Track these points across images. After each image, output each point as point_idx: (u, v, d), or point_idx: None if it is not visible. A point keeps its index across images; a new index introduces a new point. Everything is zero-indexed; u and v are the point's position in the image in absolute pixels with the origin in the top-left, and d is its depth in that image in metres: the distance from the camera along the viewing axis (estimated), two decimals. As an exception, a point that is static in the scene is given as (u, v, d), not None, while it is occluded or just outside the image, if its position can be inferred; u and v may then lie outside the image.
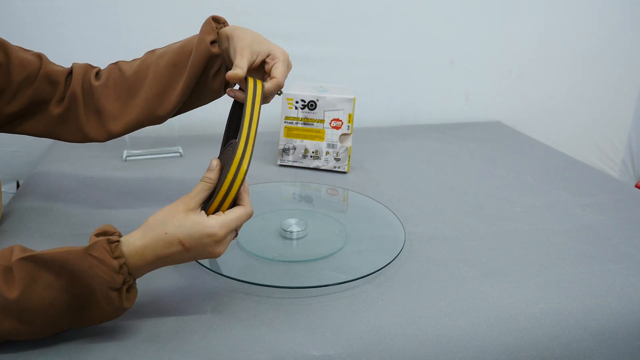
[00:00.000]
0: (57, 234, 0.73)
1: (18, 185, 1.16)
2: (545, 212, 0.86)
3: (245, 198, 0.55)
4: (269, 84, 0.66)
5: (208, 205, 0.53)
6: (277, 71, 0.68)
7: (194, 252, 0.52)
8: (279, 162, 1.04)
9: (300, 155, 1.03)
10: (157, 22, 1.15)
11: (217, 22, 0.72)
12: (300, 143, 1.02)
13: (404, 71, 1.35)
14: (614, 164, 1.65)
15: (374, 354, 0.53)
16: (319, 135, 1.01)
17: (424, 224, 0.80)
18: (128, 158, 1.04)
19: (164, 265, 0.53)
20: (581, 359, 0.58)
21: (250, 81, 0.63)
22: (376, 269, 0.65)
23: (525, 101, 1.49)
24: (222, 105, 1.32)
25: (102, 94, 0.71)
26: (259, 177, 0.97)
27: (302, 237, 0.74)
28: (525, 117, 1.49)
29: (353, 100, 0.98)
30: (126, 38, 1.14)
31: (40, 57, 0.72)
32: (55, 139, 0.74)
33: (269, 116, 1.27)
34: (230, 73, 0.63)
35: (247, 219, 0.55)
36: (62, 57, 1.11)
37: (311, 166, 1.03)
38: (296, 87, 1.05)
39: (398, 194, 0.91)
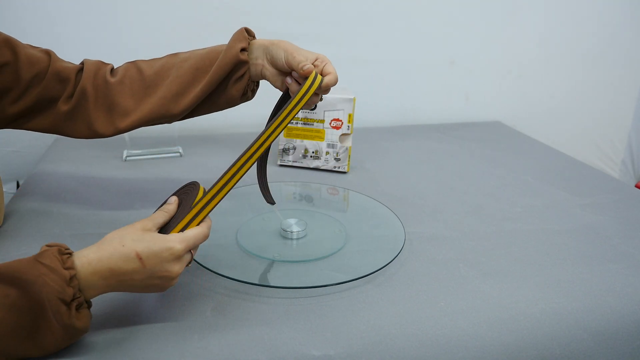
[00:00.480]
0: (57, 234, 0.73)
1: (18, 185, 1.16)
2: (545, 212, 0.86)
3: (207, 221, 0.55)
4: (327, 78, 0.68)
5: (169, 228, 0.54)
6: (330, 68, 0.69)
7: (150, 269, 0.49)
8: (279, 162, 1.04)
9: (300, 155, 1.03)
10: (157, 22, 1.15)
11: (248, 33, 0.73)
12: (300, 143, 1.02)
13: (404, 71, 1.35)
14: (614, 164, 1.65)
15: (374, 354, 0.53)
16: (319, 135, 1.01)
17: (424, 224, 0.80)
18: (128, 158, 1.04)
19: (118, 286, 0.50)
20: (581, 359, 0.58)
21: (312, 75, 0.67)
22: (376, 269, 0.65)
23: (525, 101, 1.49)
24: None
25: (117, 91, 0.71)
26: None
27: (302, 237, 0.74)
28: (525, 117, 1.49)
29: (353, 100, 0.98)
30: (126, 38, 1.14)
31: (49, 54, 0.71)
32: (61, 134, 0.74)
33: (269, 116, 1.28)
34: (307, 68, 0.66)
35: (203, 241, 0.54)
36: (63, 54, 1.11)
37: (311, 166, 1.03)
38: (296, 87, 1.05)
39: (398, 194, 0.91)
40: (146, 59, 0.75)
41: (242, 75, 0.71)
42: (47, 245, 0.48)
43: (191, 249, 0.53)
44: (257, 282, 0.62)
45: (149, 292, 0.52)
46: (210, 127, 1.25)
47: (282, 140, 1.03)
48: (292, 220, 0.75)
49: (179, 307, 0.58)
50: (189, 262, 0.53)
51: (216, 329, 0.55)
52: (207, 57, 0.72)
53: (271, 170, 1.02)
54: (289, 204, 0.88)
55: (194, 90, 0.71)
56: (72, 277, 0.46)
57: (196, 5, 1.15)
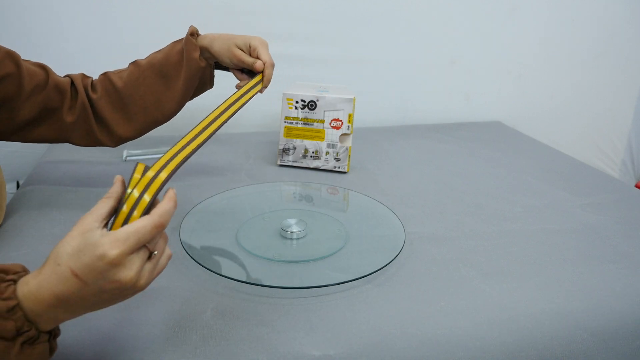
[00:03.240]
0: (57, 234, 0.73)
1: (18, 185, 1.16)
2: (545, 212, 0.86)
3: (162, 206, 0.43)
4: (267, 71, 0.79)
5: (111, 222, 0.43)
6: (263, 56, 0.79)
7: (93, 285, 0.39)
8: (279, 162, 1.04)
9: (300, 155, 1.03)
10: (157, 22, 1.15)
11: (192, 34, 0.82)
12: (300, 143, 1.02)
13: (404, 71, 1.35)
14: (614, 164, 1.65)
15: (374, 354, 0.53)
16: (319, 135, 1.01)
17: (424, 224, 0.80)
18: (128, 158, 1.04)
19: (74, 311, 0.41)
20: (581, 359, 0.58)
21: (258, 78, 0.78)
22: (376, 269, 0.65)
23: (525, 101, 1.49)
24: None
25: (100, 106, 0.78)
26: (259, 177, 0.97)
27: (302, 237, 0.74)
28: (526, 117, 1.49)
29: (353, 100, 0.98)
30: (126, 38, 1.14)
31: (44, 68, 0.76)
32: (67, 142, 0.80)
33: (269, 116, 1.28)
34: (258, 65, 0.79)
35: (155, 231, 0.41)
36: (63, 55, 1.11)
37: (311, 166, 1.03)
38: (296, 87, 1.05)
39: (398, 194, 0.91)
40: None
41: (210, 72, 0.85)
42: None
43: (144, 244, 0.41)
44: (257, 282, 0.62)
45: (113, 304, 0.43)
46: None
47: (282, 140, 1.03)
48: (292, 220, 0.75)
49: (179, 308, 0.58)
50: (149, 257, 0.43)
51: (216, 329, 0.55)
52: (167, 62, 0.80)
53: (271, 170, 1.02)
54: (289, 204, 0.88)
55: (172, 97, 0.81)
56: (11, 309, 0.39)
57: (196, 5, 1.15)
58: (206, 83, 0.86)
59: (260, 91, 0.80)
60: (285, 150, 1.03)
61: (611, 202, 0.91)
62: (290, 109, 1.00)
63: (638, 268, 0.70)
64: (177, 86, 0.80)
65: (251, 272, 0.65)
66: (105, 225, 0.42)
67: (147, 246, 0.42)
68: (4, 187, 0.73)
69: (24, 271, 0.43)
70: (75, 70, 1.12)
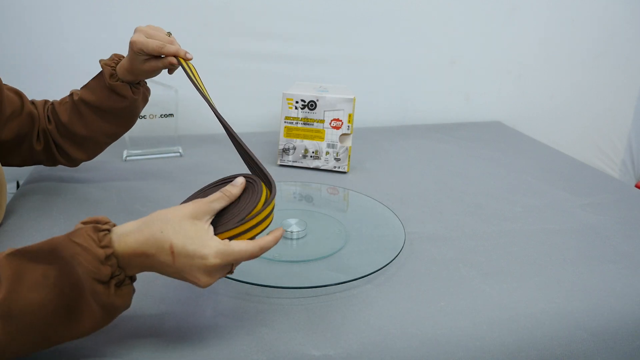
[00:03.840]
0: (57, 234, 0.72)
1: (18, 185, 1.16)
2: (545, 212, 0.86)
3: (267, 242, 0.49)
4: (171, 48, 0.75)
5: (219, 223, 0.49)
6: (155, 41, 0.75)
7: (179, 268, 0.46)
8: (279, 162, 1.04)
9: (300, 155, 1.03)
10: (157, 22, 1.15)
11: (112, 76, 0.79)
12: (300, 143, 1.02)
13: (404, 71, 1.35)
14: (614, 164, 1.65)
15: (374, 354, 0.53)
16: (319, 135, 1.01)
17: (424, 224, 0.80)
18: (128, 158, 1.04)
19: (152, 270, 0.47)
20: (581, 359, 0.58)
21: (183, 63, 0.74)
22: (376, 269, 0.65)
23: (525, 101, 1.49)
24: (221, 105, 1.32)
25: (54, 135, 0.81)
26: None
27: (302, 237, 0.74)
28: (525, 117, 1.49)
29: (353, 100, 0.98)
30: (126, 38, 1.14)
31: (20, 95, 0.78)
32: (38, 164, 0.85)
33: (269, 116, 1.28)
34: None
35: (248, 259, 0.48)
36: (63, 55, 1.11)
37: (311, 166, 1.03)
38: (296, 87, 1.05)
39: (398, 194, 0.91)
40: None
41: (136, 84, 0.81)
42: (83, 222, 0.47)
43: (232, 264, 0.48)
44: (257, 282, 0.62)
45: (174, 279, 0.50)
46: (210, 127, 1.25)
47: (282, 140, 1.03)
48: (292, 220, 0.75)
49: (179, 307, 0.58)
50: (229, 273, 0.50)
51: (216, 329, 0.55)
52: (100, 101, 0.79)
53: (271, 170, 1.02)
54: (289, 204, 0.88)
55: (115, 126, 0.82)
56: (108, 256, 0.44)
57: (196, 5, 1.15)
58: (146, 95, 0.85)
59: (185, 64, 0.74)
60: (285, 150, 1.03)
61: (611, 202, 0.91)
62: (290, 109, 1.00)
63: (638, 268, 0.70)
64: (118, 119, 0.82)
65: (251, 272, 0.65)
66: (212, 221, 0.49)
67: (233, 265, 0.49)
68: (4, 187, 0.73)
69: (110, 222, 0.48)
70: (75, 70, 1.12)
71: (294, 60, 1.26)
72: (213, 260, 0.45)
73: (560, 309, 0.61)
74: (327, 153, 1.01)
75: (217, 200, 0.49)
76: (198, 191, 0.56)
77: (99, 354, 0.50)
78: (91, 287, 0.44)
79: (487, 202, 0.90)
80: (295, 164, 1.04)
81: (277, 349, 0.52)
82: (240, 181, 0.51)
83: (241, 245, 0.47)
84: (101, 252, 0.44)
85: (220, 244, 0.46)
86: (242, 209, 0.49)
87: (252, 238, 0.49)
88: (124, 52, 1.15)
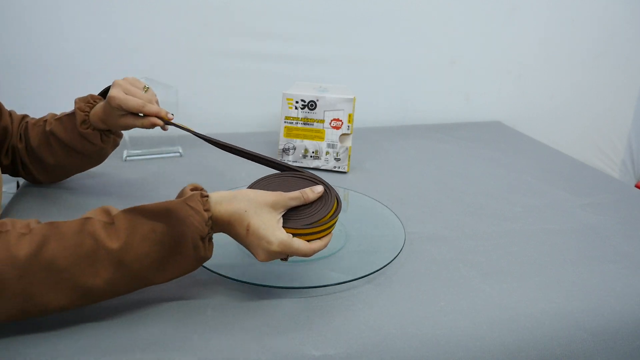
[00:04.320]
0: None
1: (18, 185, 1.16)
2: (545, 212, 0.86)
3: (318, 245, 0.59)
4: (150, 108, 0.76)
5: (289, 217, 0.59)
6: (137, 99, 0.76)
7: (248, 242, 0.57)
8: (279, 162, 1.04)
9: (300, 155, 1.03)
10: (157, 22, 1.15)
11: (84, 122, 0.78)
12: (300, 143, 1.02)
13: (404, 71, 1.35)
14: (614, 164, 1.65)
15: (374, 354, 0.53)
16: (319, 135, 1.01)
17: (424, 224, 0.80)
18: (128, 158, 1.04)
19: (227, 233, 0.58)
20: (581, 359, 0.58)
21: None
22: (376, 269, 0.65)
23: (525, 101, 1.49)
24: (222, 105, 1.32)
25: (22, 155, 0.80)
26: (259, 177, 0.96)
27: (302, 237, 0.73)
28: (525, 117, 1.49)
29: (353, 100, 0.98)
30: (126, 38, 1.14)
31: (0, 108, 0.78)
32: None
33: (269, 116, 1.28)
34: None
35: (300, 256, 0.58)
36: (63, 55, 1.11)
37: (311, 166, 1.03)
38: (296, 87, 1.05)
39: (398, 194, 0.91)
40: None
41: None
42: (191, 189, 0.56)
43: (287, 255, 0.58)
44: (257, 282, 0.62)
45: (258, 253, 0.57)
46: (210, 127, 1.24)
47: (282, 140, 1.03)
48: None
49: (179, 307, 0.58)
50: (283, 260, 0.59)
51: (216, 329, 0.55)
52: (70, 139, 0.78)
53: (271, 170, 1.01)
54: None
55: (82, 161, 0.83)
56: (209, 218, 0.54)
57: (196, 5, 1.15)
58: (116, 142, 0.85)
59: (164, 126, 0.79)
60: (285, 150, 1.03)
61: (611, 202, 0.91)
62: (290, 109, 1.00)
63: (638, 268, 0.70)
64: (87, 158, 0.82)
65: (251, 272, 0.65)
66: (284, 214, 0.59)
67: (288, 256, 0.58)
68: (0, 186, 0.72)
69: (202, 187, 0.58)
70: (75, 70, 1.13)
71: (294, 60, 1.26)
72: (275, 247, 0.55)
73: (560, 309, 0.61)
74: (327, 153, 1.01)
75: (295, 199, 0.59)
76: (265, 178, 0.67)
77: (98, 354, 0.50)
78: (195, 243, 0.53)
79: (487, 202, 0.90)
80: (295, 164, 1.04)
81: (277, 349, 0.52)
82: (319, 189, 0.61)
83: (300, 244, 0.57)
84: (206, 215, 0.54)
85: (285, 236, 0.56)
86: (313, 214, 0.59)
87: (309, 240, 0.59)
88: (124, 52, 1.15)
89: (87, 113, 0.77)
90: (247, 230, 0.56)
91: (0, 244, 0.48)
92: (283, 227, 0.57)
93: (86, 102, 0.78)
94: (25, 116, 0.83)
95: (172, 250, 0.53)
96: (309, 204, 0.60)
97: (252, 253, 0.57)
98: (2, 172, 0.82)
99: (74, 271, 0.50)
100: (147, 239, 0.52)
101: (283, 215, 0.58)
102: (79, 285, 0.50)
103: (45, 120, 0.80)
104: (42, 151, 0.79)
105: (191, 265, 0.55)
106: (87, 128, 0.77)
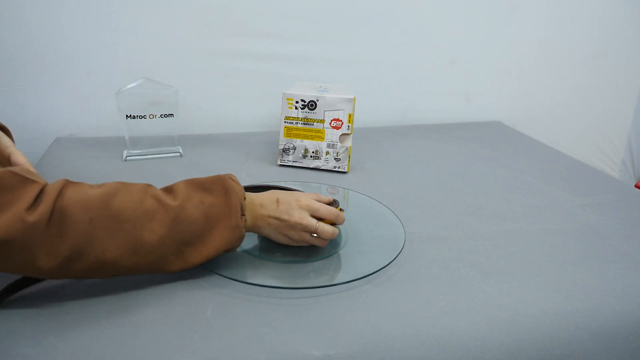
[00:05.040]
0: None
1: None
2: (545, 212, 0.86)
3: (339, 216, 0.69)
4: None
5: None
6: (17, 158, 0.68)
7: (280, 209, 0.65)
8: (279, 162, 1.04)
9: (300, 155, 1.03)
10: (157, 22, 1.15)
11: None
12: (300, 143, 1.02)
13: (404, 71, 1.35)
14: (614, 164, 1.65)
15: (374, 354, 0.53)
16: (319, 135, 1.01)
17: (424, 224, 0.80)
18: (128, 158, 1.04)
19: (256, 220, 0.65)
20: (581, 359, 0.58)
21: None
22: (376, 269, 0.65)
23: (525, 101, 1.49)
24: (222, 105, 1.32)
25: None
26: (259, 177, 0.97)
27: (302, 237, 0.73)
28: (525, 117, 1.49)
29: (353, 100, 0.98)
30: (126, 38, 1.14)
31: None
32: None
33: (269, 116, 1.28)
34: None
35: (327, 215, 0.67)
36: (63, 55, 1.11)
37: (311, 166, 1.03)
38: (296, 87, 1.05)
39: (398, 194, 0.91)
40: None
41: None
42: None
43: (316, 217, 0.66)
44: (257, 282, 0.62)
45: (281, 238, 0.67)
46: (210, 127, 1.25)
47: (282, 140, 1.03)
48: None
49: (179, 307, 0.58)
50: (313, 233, 0.66)
51: (216, 329, 0.55)
52: None
53: (271, 170, 1.02)
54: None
55: None
56: (244, 196, 0.63)
57: (196, 5, 1.15)
58: None
59: None
60: (285, 150, 1.03)
61: (611, 202, 0.91)
62: (290, 109, 1.00)
63: (638, 268, 0.70)
64: None
65: (251, 272, 0.65)
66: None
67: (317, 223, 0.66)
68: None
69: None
70: (75, 70, 1.13)
71: (294, 60, 1.26)
72: (304, 200, 0.65)
73: (560, 309, 0.61)
74: (327, 153, 1.01)
75: (312, 194, 0.69)
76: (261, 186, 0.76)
77: (98, 354, 0.50)
78: (237, 208, 0.61)
79: (487, 202, 0.90)
80: (295, 164, 1.04)
81: (277, 349, 0.52)
82: (329, 200, 0.70)
83: (323, 207, 0.67)
84: (242, 194, 0.63)
85: (310, 196, 0.68)
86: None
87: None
88: (124, 52, 1.15)
89: None
90: (277, 202, 0.65)
91: (76, 189, 0.54)
92: None
93: None
94: None
95: (212, 224, 0.59)
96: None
97: (285, 220, 0.64)
98: None
99: (135, 223, 0.55)
100: (198, 207, 0.58)
101: None
102: (135, 238, 0.55)
103: None
104: None
105: (226, 239, 0.60)
106: None
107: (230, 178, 0.63)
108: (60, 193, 0.52)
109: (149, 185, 0.59)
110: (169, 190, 0.61)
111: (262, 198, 0.66)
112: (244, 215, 0.63)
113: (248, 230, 0.65)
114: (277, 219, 0.65)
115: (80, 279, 0.59)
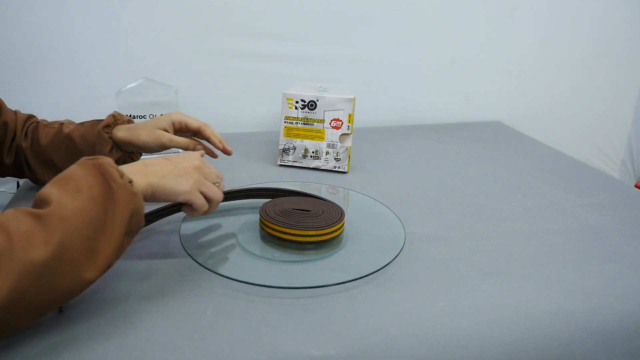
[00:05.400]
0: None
1: (18, 185, 1.16)
2: (545, 212, 0.86)
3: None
4: (208, 130, 0.84)
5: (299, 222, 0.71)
6: (192, 124, 0.82)
7: (174, 161, 0.61)
8: (279, 162, 1.04)
9: (300, 155, 1.03)
10: (158, 22, 1.15)
11: (108, 126, 0.79)
12: (300, 143, 1.02)
13: (404, 71, 1.35)
14: (614, 164, 1.65)
15: (374, 354, 0.53)
16: (319, 135, 1.01)
17: (424, 224, 0.80)
18: (128, 158, 1.03)
19: (150, 175, 0.58)
20: (581, 359, 0.58)
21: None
22: (376, 269, 0.65)
23: (525, 101, 1.49)
24: (222, 105, 1.32)
25: (27, 154, 0.79)
26: (259, 177, 0.97)
27: (302, 237, 0.73)
28: (525, 117, 1.49)
29: (353, 100, 0.98)
30: (126, 38, 1.14)
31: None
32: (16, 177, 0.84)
33: (269, 116, 1.28)
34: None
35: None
36: (63, 55, 1.11)
37: (311, 166, 1.03)
38: (296, 87, 1.05)
39: (398, 194, 0.91)
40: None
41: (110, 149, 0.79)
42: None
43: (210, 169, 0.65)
44: (257, 282, 0.62)
45: (181, 184, 0.60)
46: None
47: (282, 140, 1.03)
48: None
49: (179, 307, 0.58)
50: (216, 182, 0.64)
51: (216, 329, 0.55)
52: (84, 141, 0.78)
53: (271, 170, 1.02)
54: (289, 204, 0.88)
55: None
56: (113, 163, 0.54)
57: (196, 5, 1.15)
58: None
59: (228, 152, 0.84)
60: (285, 150, 1.03)
61: (611, 202, 0.91)
62: (290, 109, 1.00)
63: (638, 268, 0.70)
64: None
65: (251, 272, 0.65)
66: None
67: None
68: None
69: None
70: (75, 70, 1.13)
71: (294, 60, 1.26)
72: (197, 153, 0.65)
73: (560, 309, 0.61)
74: (327, 153, 1.01)
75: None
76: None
77: (98, 354, 0.50)
78: (114, 177, 0.52)
79: (487, 202, 0.90)
80: (295, 164, 1.04)
81: (277, 349, 0.52)
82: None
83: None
84: (110, 160, 0.54)
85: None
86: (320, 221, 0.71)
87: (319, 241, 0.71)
88: (124, 52, 1.15)
89: (116, 121, 0.79)
90: (167, 158, 0.61)
91: None
92: (295, 230, 0.69)
93: (120, 116, 0.81)
94: (31, 116, 0.82)
95: (105, 198, 0.51)
96: (319, 211, 0.73)
97: (186, 168, 0.61)
98: (7, 173, 0.81)
99: (16, 248, 0.45)
100: (78, 197, 0.50)
101: (293, 222, 0.70)
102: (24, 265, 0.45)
103: (62, 123, 0.80)
104: (50, 152, 0.78)
105: (126, 200, 0.52)
106: (107, 133, 0.77)
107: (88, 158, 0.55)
108: None
109: (17, 208, 0.48)
110: (38, 200, 0.50)
111: (145, 160, 0.60)
112: (125, 177, 0.54)
113: (142, 192, 0.56)
114: (175, 168, 0.60)
115: None
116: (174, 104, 1.02)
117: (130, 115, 1.00)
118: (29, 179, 0.84)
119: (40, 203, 0.49)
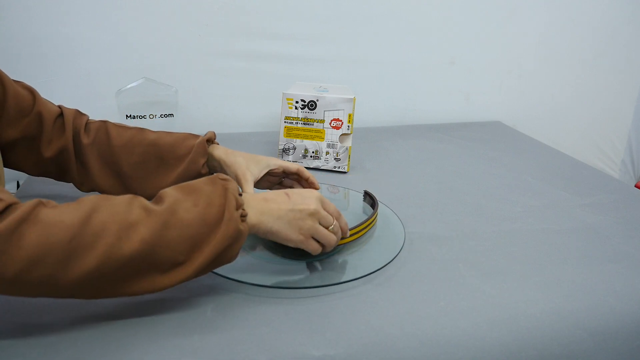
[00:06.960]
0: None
1: (18, 185, 1.16)
2: (545, 212, 0.86)
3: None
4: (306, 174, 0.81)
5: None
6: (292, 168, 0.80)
7: (293, 200, 0.60)
8: (279, 162, 1.04)
9: (300, 155, 1.03)
10: (158, 22, 1.15)
11: (209, 140, 0.79)
12: (300, 143, 1.02)
13: (404, 71, 1.35)
14: (614, 164, 1.65)
15: (374, 354, 0.53)
16: (319, 135, 1.01)
17: (424, 224, 0.80)
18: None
19: (267, 212, 0.58)
20: (581, 359, 0.58)
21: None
22: (376, 269, 0.65)
23: (525, 101, 1.49)
24: (222, 105, 1.32)
25: (88, 153, 0.75)
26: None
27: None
28: (526, 117, 1.49)
29: (353, 100, 0.98)
30: (126, 38, 1.14)
31: (32, 92, 0.73)
32: (45, 177, 0.79)
33: (269, 116, 1.28)
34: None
35: (335, 212, 0.64)
36: (63, 55, 1.11)
37: (311, 166, 1.03)
38: (296, 87, 1.05)
39: (398, 194, 0.91)
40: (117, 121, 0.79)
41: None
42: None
43: (328, 210, 0.62)
44: (257, 282, 0.62)
45: (294, 232, 0.59)
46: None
47: (282, 140, 1.03)
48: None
49: (179, 307, 0.58)
50: (331, 226, 0.62)
51: (216, 329, 0.55)
52: (172, 150, 0.76)
53: (271, 170, 1.02)
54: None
55: (159, 182, 0.76)
56: (239, 192, 0.56)
57: (196, 5, 1.15)
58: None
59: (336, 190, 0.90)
60: (285, 150, 1.03)
61: (611, 202, 0.91)
62: (290, 109, 1.00)
63: (638, 268, 0.70)
64: (169, 176, 0.76)
65: (251, 272, 0.65)
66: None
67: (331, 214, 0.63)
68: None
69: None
70: (75, 70, 1.13)
71: (294, 60, 1.26)
72: (316, 193, 0.62)
73: (560, 309, 0.61)
74: (327, 153, 1.01)
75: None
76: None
77: (98, 354, 0.50)
78: (230, 206, 0.53)
79: (487, 202, 0.90)
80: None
81: (277, 349, 0.52)
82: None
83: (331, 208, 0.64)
84: (237, 186, 0.57)
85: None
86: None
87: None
88: (125, 52, 1.15)
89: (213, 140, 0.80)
90: (287, 194, 0.60)
91: (51, 210, 0.48)
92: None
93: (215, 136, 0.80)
94: (80, 113, 0.78)
95: (213, 223, 0.52)
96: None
97: (303, 211, 0.59)
98: (44, 169, 0.76)
99: (121, 235, 0.48)
100: (190, 211, 0.52)
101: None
102: (114, 251, 0.48)
103: (140, 128, 0.78)
104: (122, 153, 0.75)
105: (230, 233, 0.53)
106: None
107: (218, 177, 0.57)
108: (30, 214, 0.46)
109: (135, 197, 0.52)
110: (158, 198, 0.53)
111: (266, 193, 0.60)
112: (241, 209, 0.55)
113: (252, 227, 0.57)
114: (292, 210, 0.59)
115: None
116: (174, 104, 1.02)
117: (130, 116, 1.00)
118: (72, 181, 0.78)
119: (158, 199, 0.53)
